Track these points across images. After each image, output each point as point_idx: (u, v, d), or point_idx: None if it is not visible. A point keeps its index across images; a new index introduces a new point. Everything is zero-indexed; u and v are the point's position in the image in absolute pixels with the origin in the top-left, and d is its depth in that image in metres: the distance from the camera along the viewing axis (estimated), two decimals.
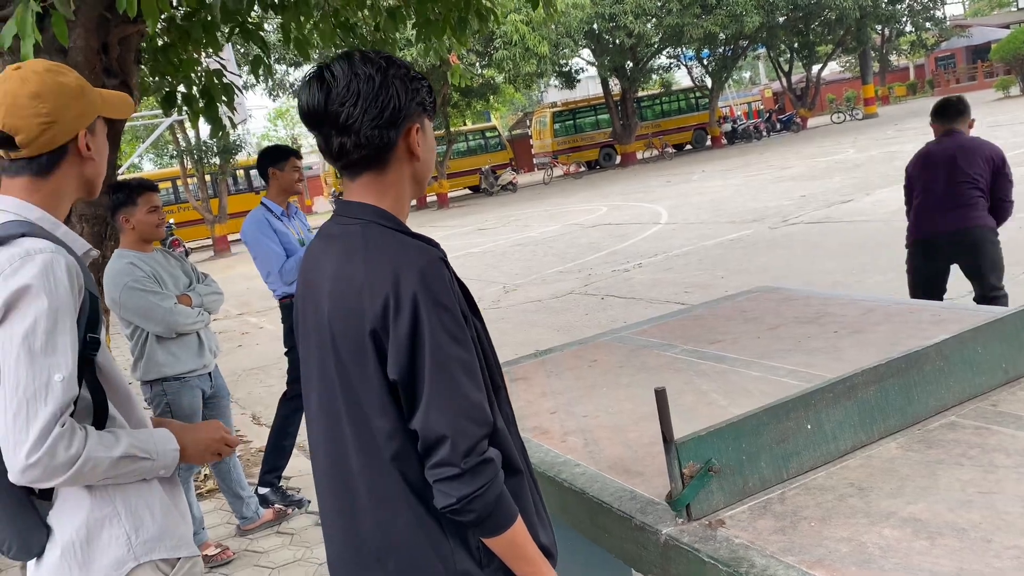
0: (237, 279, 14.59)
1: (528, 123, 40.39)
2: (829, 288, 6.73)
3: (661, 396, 1.46)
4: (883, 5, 31.72)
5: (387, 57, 1.32)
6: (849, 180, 13.77)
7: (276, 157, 4.02)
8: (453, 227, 18.80)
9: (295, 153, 4.06)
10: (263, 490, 4.14)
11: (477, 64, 24.54)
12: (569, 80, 31.51)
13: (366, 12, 5.40)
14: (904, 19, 35.19)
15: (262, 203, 4.06)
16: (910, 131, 22.08)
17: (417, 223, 22.48)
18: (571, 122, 32.26)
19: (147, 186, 3.36)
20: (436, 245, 1.34)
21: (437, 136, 27.86)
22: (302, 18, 4.99)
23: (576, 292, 8.51)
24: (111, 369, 1.54)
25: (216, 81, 4.40)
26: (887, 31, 37.26)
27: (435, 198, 27.22)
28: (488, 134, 32.20)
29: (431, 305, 1.23)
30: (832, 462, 1.62)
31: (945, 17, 37.80)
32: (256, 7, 4.81)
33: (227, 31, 4.52)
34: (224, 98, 4.41)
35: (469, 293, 1.39)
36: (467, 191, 31.10)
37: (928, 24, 35.70)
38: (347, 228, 1.35)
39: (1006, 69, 30.70)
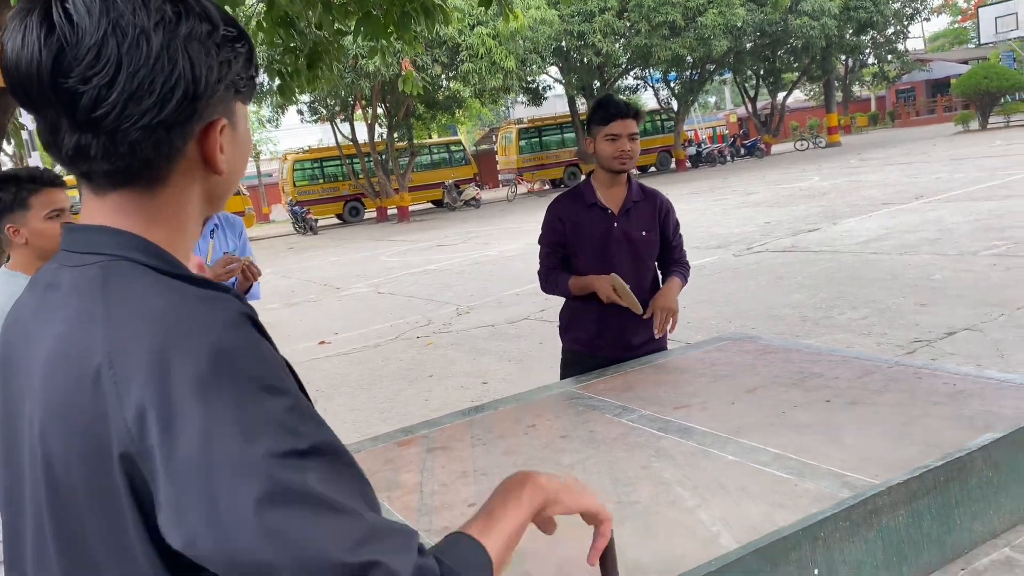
0: None
1: (494, 139, 40.03)
2: (798, 324, 6.33)
3: (609, 550, 0.97)
4: (848, 36, 32.09)
5: None
6: (815, 208, 13.54)
7: None
8: (412, 242, 18.23)
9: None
10: None
11: (443, 76, 24.06)
12: (536, 97, 31.25)
13: (311, 12, 4.89)
14: (868, 51, 35.74)
15: None
16: (873, 161, 22.14)
17: (375, 237, 21.79)
18: (537, 139, 31.96)
19: (46, 178, 2.28)
20: (237, 295, 0.77)
21: (399, 148, 27.21)
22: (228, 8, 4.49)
23: (532, 317, 8.03)
24: None
25: None
26: (851, 62, 37.82)
27: (395, 211, 26.56)
28: (453, 148, 31.76)
29: (240, 389, 0.67)
30: None
31: (907, 51, 38.54)
32: None
33: None
34: None
35: (298, 377, 0.79)
36: (429, 205, 30.53)
37: (890, 57, 36.32)
38: (79, 272, 0.77)
39: (964, 104, 31.14)
